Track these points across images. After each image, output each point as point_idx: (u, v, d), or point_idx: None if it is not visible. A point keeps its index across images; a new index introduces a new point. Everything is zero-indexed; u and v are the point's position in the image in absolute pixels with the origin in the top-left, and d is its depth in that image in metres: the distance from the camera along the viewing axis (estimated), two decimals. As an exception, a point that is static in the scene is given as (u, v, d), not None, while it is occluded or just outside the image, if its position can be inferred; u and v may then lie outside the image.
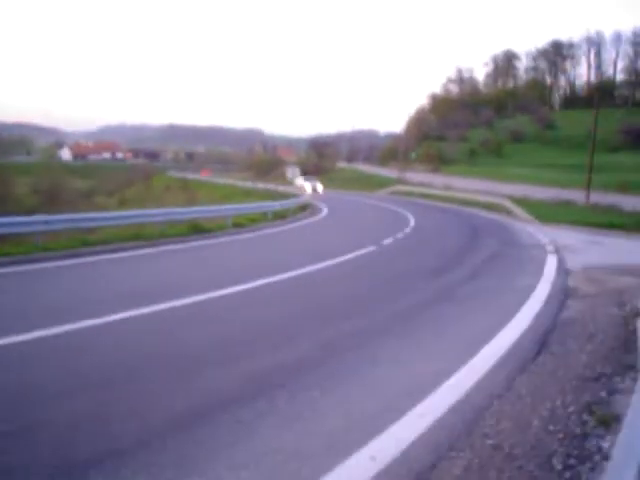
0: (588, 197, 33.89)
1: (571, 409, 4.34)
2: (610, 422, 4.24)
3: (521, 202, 30.90)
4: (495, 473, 3.38)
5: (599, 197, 32.80)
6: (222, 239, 14.90)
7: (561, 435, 3.88)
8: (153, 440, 3.62)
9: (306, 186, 44.05)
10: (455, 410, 4.28)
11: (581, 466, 3.49)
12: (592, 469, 3.57)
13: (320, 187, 45.19)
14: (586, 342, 6.42)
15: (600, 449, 3.85)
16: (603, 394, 4.68)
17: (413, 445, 3.68)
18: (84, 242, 11.99)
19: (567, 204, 33.36)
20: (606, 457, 3.80)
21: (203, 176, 72.09)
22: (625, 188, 37.70)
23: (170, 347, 5.63)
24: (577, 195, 34.65)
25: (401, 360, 5.46)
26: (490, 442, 3.80)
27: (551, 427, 4.02)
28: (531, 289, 9.26)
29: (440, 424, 4.02)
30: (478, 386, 4.81)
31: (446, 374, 5.00)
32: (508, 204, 30.07)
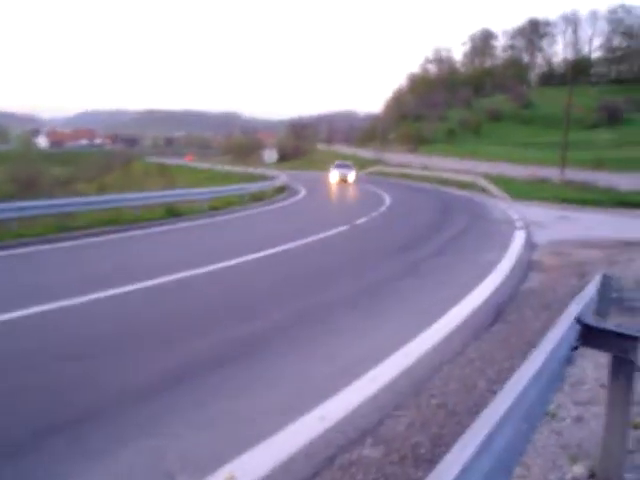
0: (563, 174, 34.39)
1: (516, 371, 4.58)
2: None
3: (496, 180, 31.28)
4: (436, 429, 3.60)
5: (574, 174, 33.30)
6: (198, 222, 14.96)
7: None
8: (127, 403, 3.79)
9: (331, 176, 35.26)
10: (405, 374, 4.49)
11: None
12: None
13: (352, 176, 35.23)
14: (542, 311, 6.69)
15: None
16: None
17: (361, 406, 3.89)
18: (60, 228, 11.97)
19: (542, 182, 33.84)
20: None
21: (187, 161, 71.59)
22: (600, 165, 38.28)
23: (141, 323, 5.76)
24: (552, 172, 35.12)
25: (360, 330, 5.67)
26: (435, 402, 4.03)
27: (495, 387, 4.24)
28: (495, 263, 9.52)
29: (389, 387, 4.24)
30: (431, 352, 5.03)
31: (401, 342, 5.22)
32: (483, 182, 30.44)
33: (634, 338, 2.75)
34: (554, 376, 2.40)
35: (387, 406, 3.95)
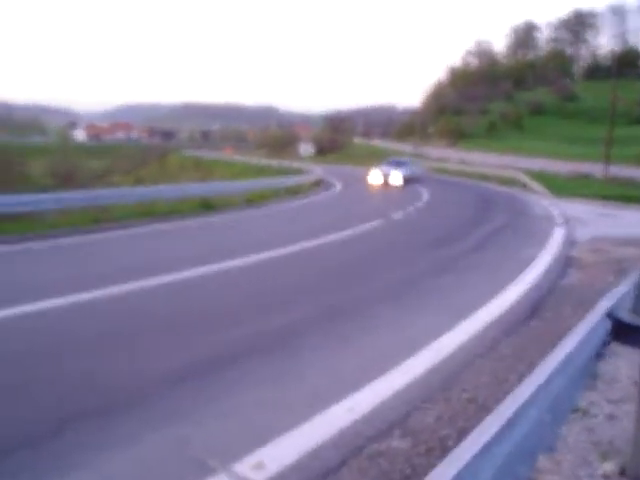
0: (606, 170, 33.43)
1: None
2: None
3: (538, 176, 30.63)
4: (463, 422, 3.60)
5: (618, 170, 32.37)
6: (233, 215, 15.16)
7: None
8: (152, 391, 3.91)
9: (372, 176, 27.72)
10: (436, 369, 4.49)
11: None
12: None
13: (398, 177, 27.25)
14: (578, 307, 6.56)
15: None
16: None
17: (390, 398, 3.91)
18: (95, 219, 12.29)
19: (585, 178, 32.99)
20: (575, 410, 4.00)
21: (227, 153, 72.55)
22: (645, 161, 37.07)
23: (178, 311, 5.91)
24: (596, 169, 34.20)
25: (393, 325, 5.67)
26: (466, 396, 4.02)
27: (527, 383, 4.20)
28: (533, 259, 9.37)
29: (419, 380, 4.24)
30: (463, 347, 5.00)
31: (434, 337, 5.20)
32: (523, 178, 29.85)
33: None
34: (582, 370, 2.37)
35: (417, 399, 3.96)
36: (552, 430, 2.01)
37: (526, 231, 13.32)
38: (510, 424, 1.60)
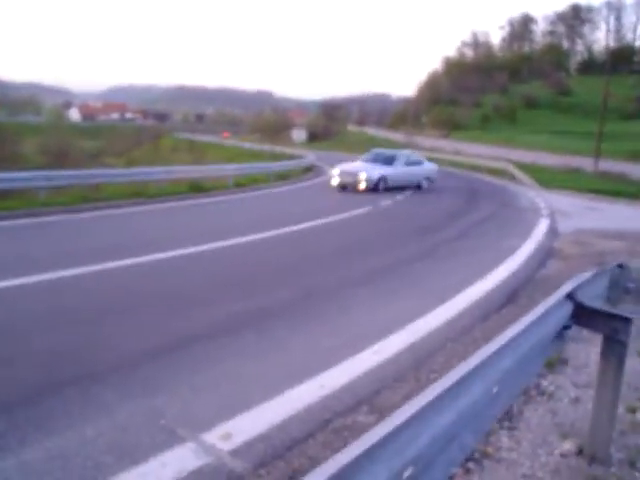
0: (597, 165, 33.63)
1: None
2: (555, 364, 4.55)
3: (528, 169, 30.75)
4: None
5: (609, 165, 32.54)
6: (222, 197, 15.17)
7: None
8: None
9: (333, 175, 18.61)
10: (409, 350, 4.58)
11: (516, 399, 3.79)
12: (525, 402, 3.90)
13: (371, 180, 17.80)
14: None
15: (538, 385, 4.17)
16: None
17: (361, 376, 4.00)
18: (84, 198, 12.31)
19: (575, 171, 33.14)
20: (542, 393, 4.11)
21: (224, 137, 72.40)
22: (636, 156, 37.28)
23: (160, 289, 5.96)
24: (587, 163, 34.36)
25: (370, 307, 5.76)
26: (435, 376, 4.11)
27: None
28: (515, 249, 9.48)
29: (391, 360, 4.33)
30: (437, 330, 5.11)
31: (409, 320, 5.30)
32: (512, 170, 29.98)
33: (625, 319, 2.79)
34: (539, 349, 2.45)
35: (387, 378, 4.05)
36: (502, 402, 2.09)
37: (510, 221, 13.43)
38: (454, 393, 1.67)
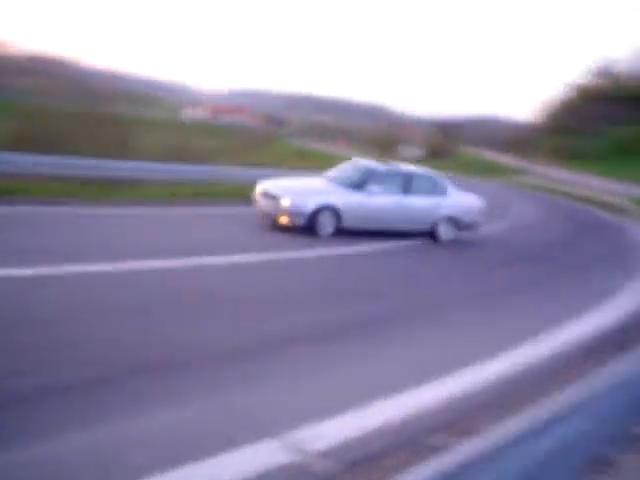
0: None
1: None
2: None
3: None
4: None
5: None
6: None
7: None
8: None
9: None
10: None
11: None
12: None
13: (290, 202, 10.30)
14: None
15: None
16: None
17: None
18: (196, 193, 13.52)
19: None
20: None
21: (339, 146, 73.75)
22: None
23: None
24: None
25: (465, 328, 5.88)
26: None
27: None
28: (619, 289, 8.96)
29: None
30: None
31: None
32: (629, 204, 27.94)
33: None
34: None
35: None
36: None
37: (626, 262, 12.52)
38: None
